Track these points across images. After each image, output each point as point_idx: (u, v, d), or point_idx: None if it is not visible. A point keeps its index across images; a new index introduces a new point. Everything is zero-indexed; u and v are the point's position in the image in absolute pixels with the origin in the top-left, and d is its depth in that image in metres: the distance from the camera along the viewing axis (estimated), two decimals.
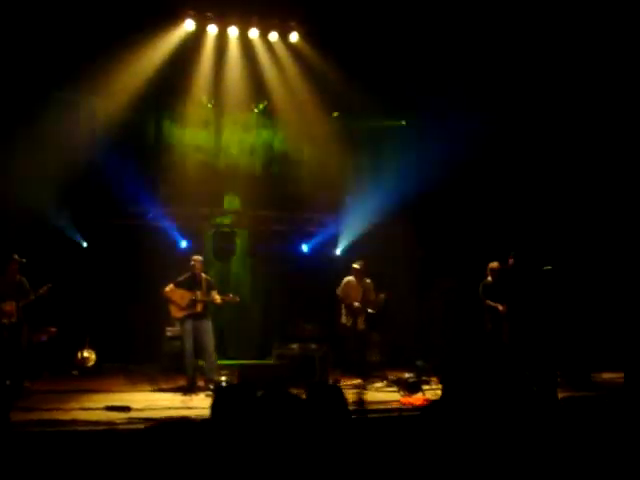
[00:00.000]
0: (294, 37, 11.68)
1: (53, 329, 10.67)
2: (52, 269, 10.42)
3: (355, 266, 10.64)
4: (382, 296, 10.53)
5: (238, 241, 12.88)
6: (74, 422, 6.67)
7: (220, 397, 3.47)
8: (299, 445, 3.06)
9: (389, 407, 7.85)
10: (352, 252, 12.03)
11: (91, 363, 10.95)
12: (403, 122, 13.09)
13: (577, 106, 11.57)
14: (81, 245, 11.77)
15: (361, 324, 10.54)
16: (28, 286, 9.57)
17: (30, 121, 10.77)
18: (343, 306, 10.60)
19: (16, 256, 9.51)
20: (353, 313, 10.47)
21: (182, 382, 9.43)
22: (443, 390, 3.64)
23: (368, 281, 10.68)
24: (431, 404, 3.65)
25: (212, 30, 11.45)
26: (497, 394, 3.61)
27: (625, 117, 11.46)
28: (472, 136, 11.43)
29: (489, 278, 10.45)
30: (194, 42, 11.52)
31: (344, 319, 10.57)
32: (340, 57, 11.33)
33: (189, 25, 11.20)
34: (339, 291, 10.62)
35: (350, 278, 10.64)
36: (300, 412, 3.19)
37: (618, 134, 11.59)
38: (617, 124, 11.55)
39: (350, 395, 3.74)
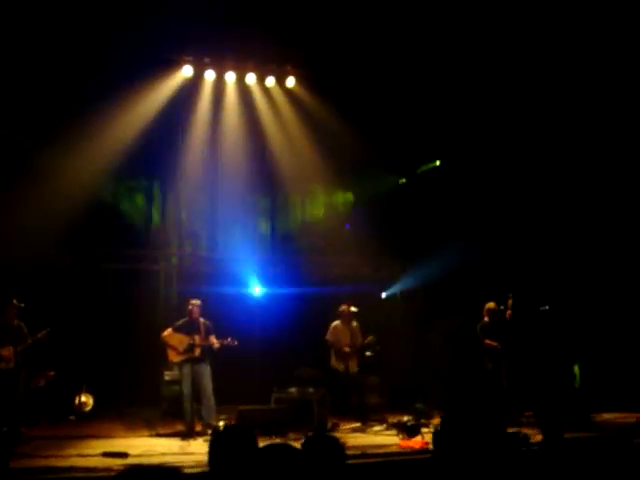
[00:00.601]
0: (291, 82, 11.84)
1: (51, 373, 10.61)
2: (50, 313, 10.42)
3: (342, 309, 10.70)
4: (371, 338, 10.57)
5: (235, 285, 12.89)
6: (72, 469, 6.60)
7: (219, 440, 3.46)
8: None
9: (388, 451, 7.79)
10: (351, 293, 11.99)
11: (89, 408, 10.85)
12: (403, 180, 13.23)
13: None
14: (79, 289, 11.77)
15: (353, 367, 10.55)
16: (26, 331, 9.56)
17: (29, 166, 10.88)
18: (332, 351, 10.63)
19: (15, 300, 9.52)
20: (343, 357, 10.48)
21: (180, 427, 9.38)
22: (441, 427, 3.64)
23: (355, 324, 10.72)
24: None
25: (210, 76, 11.60)
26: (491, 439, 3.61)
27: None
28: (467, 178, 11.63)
29: (486, 318, 10.46)
30: (192, 89, 11.67)
31: (335, 363, 10.58)
32: (335, 102, 11.47)
33: (187, 71, 11.34)
34: (328, 336, 10.67)
35: (337, 322, 10.70)
36: (297, 464, 3.20)
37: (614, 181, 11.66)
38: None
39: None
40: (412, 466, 6.88)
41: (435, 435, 3.55)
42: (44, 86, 10.41)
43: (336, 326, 10.68)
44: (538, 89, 10.93)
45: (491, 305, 10.44)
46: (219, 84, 11.83)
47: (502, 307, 10.28)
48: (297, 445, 3.40)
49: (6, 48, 9.72)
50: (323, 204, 12.67)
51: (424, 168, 13.07)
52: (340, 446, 3.59)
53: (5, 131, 10.99)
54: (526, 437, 7.31)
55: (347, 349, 10.45)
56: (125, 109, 11.16)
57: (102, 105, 10.67)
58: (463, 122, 11.35)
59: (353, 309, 10.68)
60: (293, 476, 3.10)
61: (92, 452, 7.56)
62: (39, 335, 9.51)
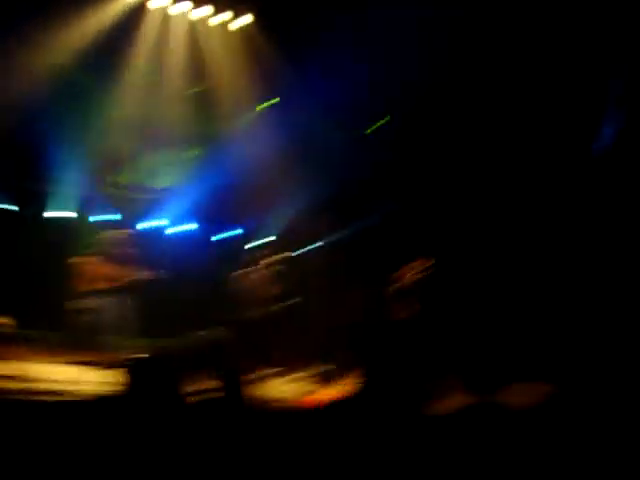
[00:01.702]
0: (245, 19, 11.59)
1: None
2: None
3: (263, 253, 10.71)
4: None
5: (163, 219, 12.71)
6: None
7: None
8: None
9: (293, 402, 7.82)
10: (279, 242, 11.98)
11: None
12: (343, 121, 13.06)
13: None
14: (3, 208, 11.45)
15: (272, 315, 10.53)
16: None
17: None
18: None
19: None
20: (259, 303, 10.46)
21: (83, 356, 9.18)
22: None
23: (276, 269, 10.67)
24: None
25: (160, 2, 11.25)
26: None
27: None
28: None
29: (399, 283, 10.37)
30: (140, 12, 11.31)
31: (251, 309, 10.52)
32: (287, 47, 11.26)
33: None
34: (245, 279, 10.63)
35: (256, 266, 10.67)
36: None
37: None
38: None
39: None
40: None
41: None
42: None
43: (254, 271, 10.63)
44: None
45: (413, 266, 10.30)
46: (168, 12, 11.49)
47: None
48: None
49: None
50: (258, 149, 12.43)
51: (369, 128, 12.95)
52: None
53: None
54: None
55: (261, 297, 10.39)
56: (64, 29, 10.75)
57: (40, 22, 10.25)
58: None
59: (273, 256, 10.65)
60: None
61: None
62: None
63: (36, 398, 6.41)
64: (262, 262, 10.62)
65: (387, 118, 12.91)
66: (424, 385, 3.71)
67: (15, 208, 11.49)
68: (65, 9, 10.39)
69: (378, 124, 12.96)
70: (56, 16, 10.36)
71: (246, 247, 12.37)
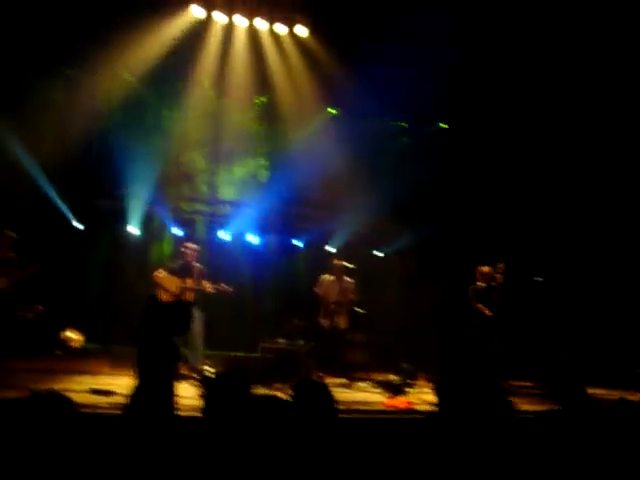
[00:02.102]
0: (300, 30, 11.63)
1: (40, 307, 10.59)
2: (42, 247, 10.35)
3: (334, 263, 10.64)
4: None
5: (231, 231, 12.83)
6: None
7: (213, 386, 3.42)
8: (287, 445, 3.03)
9: (373, 409, 7.82)
10: (345, 250, 12.02)
11: (75, 344, 10.84)
12: (404, 124, 13.07)
13: (574, 104, 11.50)
14: (72, 225, 11.70)
15: (341, 323, 10.46)
16: (18, 262, 9.51)
17: (28, 95, 10.72)
18: (321, 305, 10.59)
19: (9, 232, 9.44)
20: (329, 313, 10.43)
21: None
22: (439, 399, 3.60)
23: (348, 280, 10.61)
24: (429, 415, 3.61)
25: (219, 18, 11.39)
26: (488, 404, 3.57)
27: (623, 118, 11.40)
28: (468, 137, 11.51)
29: (479, 283, 10.36)
30: (201, 29, 11.47)
31: (322, 319, 10.50)
32: (345, 54, 11.28)
33: (196, 11, 11.14)
34: (316, 288, 10.58)
35: (327, 276, 10.60)
36: (287, 412, 3.16)
37: (613, 137, 11.54)
38: (614, 125, 11.49)
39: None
40: (397, 425, 6.92)
41: (438, 390, 3.50)
42: (47, 19, 10.20)
43: (325, 279, 10.58)
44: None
45: (485, 269, 10.30)
46: (229, 27, 11.62)
47: (494, 274, 10.20)
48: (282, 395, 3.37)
49: None
50: (324, 156, 12.47)
51: (430, 128, 12.92)
52: (329, 393, 3.55)
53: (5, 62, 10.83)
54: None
55: (332, 306, 10.41)
56: (131, 47, 10.96)
57: (108, 42, 10.47)
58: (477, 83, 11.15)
59: (345, 264, 10.59)
60: (283, 425, 3.06)
61: (78, 388, 7.54)
62: (30, 269, 9.46)
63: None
64: (334, 270, 10.58)
65: (444, 125, 12.87)
66: (504, 388, 3.66)
67: (82, 227, 11.71)
68: (131, 29, 10.58)
69: (435, 128, 12.92)
70: (123, 36, 10.57)
71: (316, 256, 12.51)
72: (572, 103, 11.41)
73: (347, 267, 10.59)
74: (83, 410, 6.31)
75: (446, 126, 12.85)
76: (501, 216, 11.97)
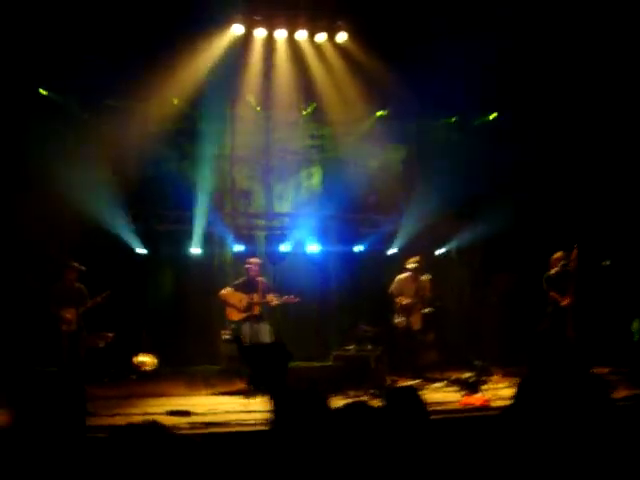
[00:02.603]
0: (342, 37, 11.62)
1: (110, 334, 10.81)
2: (108, 275, 10.58)
3: (410, 265, 10.50)
4: (430, 310, 10.39)
5: (291, 243, 12.89)
6: None
7: (286, 402, 3.39)
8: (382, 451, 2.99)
9: (450, 408, 7.73)
10: (407, 251, 11.93)
11: (149, 367, 11.00)
12: (453, 119, 12.96)
13: None
14: (135, 252, 11.92)
15: (416, 324, 10.36)
16: (87, 293, 9.75)
17: (83, 128, 10.97)
18: (396, 306, 10.45)
19: (75, 263, 9.68)
20: (406, 312, 10.30)
21: (240, 385, 9.40)
22: (519, 390, 3.52)
23: (424, 278, 10.48)
24: (509, 406, 3.52)
25: (260, 33, 11.47)
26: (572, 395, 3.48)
27: None
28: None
29: (552, 270, 10.16)
30: (243, 47, 11.55)
31: (397, 319, 10.40)
32: (389, 55, 11.21)
33: (237, 29, 11.22)
34: (392, 288, 10.47)
35: (403, 275, 10.48)
36: (379, 421, 3.11)
37: None
38: None
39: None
40: (476, 423, 6.82)
41: (521, 387, 3.42)
42: (93, 49, 10.40)
43: (401, 279, 10.47)
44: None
45: (559, 255, 10.11)
46: (270, 41, 11.67)
47: (565, 262, 10.01)
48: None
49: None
50: (376, 159, 12.43)
51: (480, 120, 12.78)
52: (421, 398, 3.51)
53: (59, 96, 11.10)
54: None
55: (406, 301, 10.25)
56: (174, 72, 11.10)
57: (151, 68, 10.62)
58: (522, 72, 10.95)
59: (409, 265, 10.49)
60: (375, 434, 3.02)
61: (156, 410, 7.62)
62: (99, 298, 9.70)
63: (207, 430, 6.63)
64: (409, 269, 10.47)
65: (494, 114, 12.70)
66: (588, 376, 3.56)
67: (145, 251, 11.93)
68: (174, 50, 10.72)
69: (487, 119, 12.76)
70: (166, 62, 10.71)
71: (378, 260, 12.49)
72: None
73: (421, 266, 10.45)
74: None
75: (495, 115, 12.66)
76: (567, 202, 11.70)
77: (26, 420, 2.65)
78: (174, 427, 6.69)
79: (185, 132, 12.05)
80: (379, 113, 12.53)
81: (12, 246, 10.61)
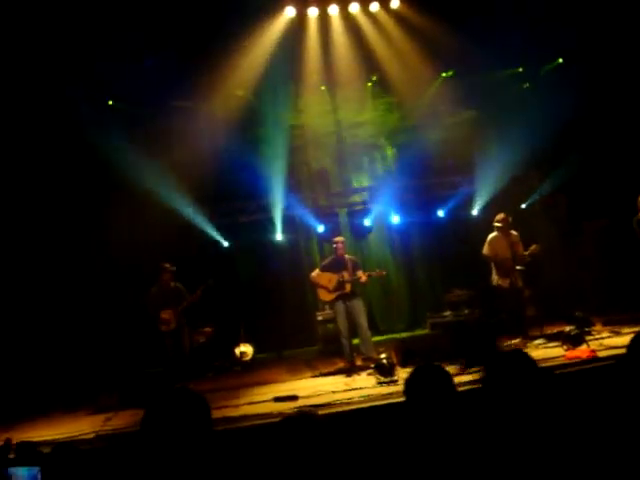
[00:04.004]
0: (395, 3, 11.45)
1: (209, 329, 11.05)
2: (199, 271, 10.80)
3: (496, 223, 10.22)
4: (536, 247, 9.97)
5: (372, 216, 12.85)
6: (246, 417, 6.79)
7: (415, 378, 3.39)
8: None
9: (556, 364, 7.57)
10: (489, 211, 11.71)
11: (249, 357, 11.19)
12: (520, 69, 12.61)
13: None
14: (222, 245, 12.12)
15: (519, 281, 10.02)
16: (184, 291, 10.00)
17: (155, 133, 11.17)
18: (494, 266, 10.17)
19: (167, 265, 9.92)
20: (507, 271, 9.99)
21: (340, 364, 9.49)
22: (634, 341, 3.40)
23: (515, 233, 10.14)
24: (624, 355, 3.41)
25: (313, 12, 11.40)
26: None
27: None
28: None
29: None
30: (298, 28, 11.50)
31: (497, 280, 10.08)
32: (445, 14, 10.97)
33: (290, 12, 11.18)
34: (485, 250, 10.12)
35: (494, 234, 10.12)
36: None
37: None
38: None
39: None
40: (584, 376, 6.68)
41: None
42: (152, 54, 10.56)
43: (493, 238, 10.09)
44: None
45: None
46: (324, 19, 11.58)
47: None
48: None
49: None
50: (447, 121, 12.21)
51: (547, 68, 12.40)
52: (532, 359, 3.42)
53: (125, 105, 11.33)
54: None
55: (509, 263, 9.97)
56: (234, 63, 11.14)
57: (212, 65, 10.71)
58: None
59: (497, 222, 10.18)
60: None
61: (262, 398, 7.77)
62: (194, 295, 9.93)
63: (320, 412, 6.67)
64: (500, 226, 10.19)
65: (559, 60, 12.29)
66: None
67: (231, 244, 12.13)
68: (231, 43, 10.78)
69: (552, 65, 12.36)
70: (225, 52, 10.77)
71: (460, 223, 12.35)
72: None
73: (508, 222, 10.16)
74: (274, 419, 6.55)
75: (561, 61, 12.25)
76: None
77: (156, 422, 2.73)
78: (281, 413, 6.77)
79: (253, 122, 12.10)
80: (444, 74, 12.32)
81: (107, 258, 10.98)
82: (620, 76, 11.20)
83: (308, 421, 3.05)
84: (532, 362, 3.08)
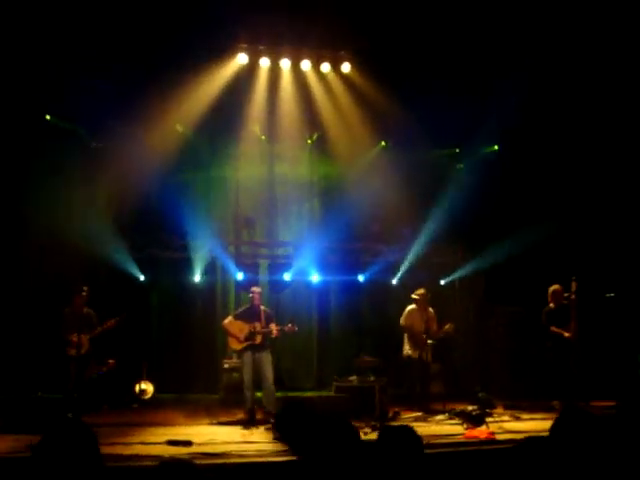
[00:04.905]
0: (346, 67, 11.68)
1: (111, 361, 10.73)
2: (110, 303, 10.55)
3: (415, 296, 10.45)
4: (450, 326, 10.30)
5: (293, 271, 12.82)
6: (138, 457, 6.54)
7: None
8: None
9: (454, 441, 7.62)
10: (409, 281, 11.90)
11: (148, 395, 10.93)
12: (457, 150, 12.98)
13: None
14: (137, 278, 11.88)
15: (428, 355, 10.23)
16: (95, 319, 9.74)
17: (84, 155, 11.01)
18: (406, 337, 10.39)
19: (84, 287, 9.66)
20: (419, 344, 10.21)
21: (241, 415, 9.33)
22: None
23: (431, 311, 10.47)
24: (529, 440, 3.48)
25: (264, 63, 11.53)
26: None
27: None
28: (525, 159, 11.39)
29: (551, 304, 10.17)
30: (247, 76, 11.60)
31: (409, 351, 10.30)
32: (394, 86, 11.24)
33: (242, 59, 11.29)
34: (402, 321, 10.38)
35: (413, 307, 10.42)
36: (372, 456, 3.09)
37: None
38: None
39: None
40: (480, 456, 6.74)
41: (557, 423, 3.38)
42: (99, 75, 10.47)
43: (411, 311, 10.39)
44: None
45: (556, 287, 10.10)
46: (274, 71, 11.72)
47: (566, 294, 9.97)
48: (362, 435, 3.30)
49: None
50: (379, 189, 12.40)
51: (483, 152, 12.79)
52: (417, 436, 3.48)
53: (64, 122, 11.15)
54: None
55: (423, 336, 10.19)
56: (180, 99, 11.13)
57: (156, 96, 10.68)
58: (523, 106, 10.95)
59: (415, 296, 10.43)
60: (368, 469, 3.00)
61: (156, 440, 7.53)
62: (108, 324, 9.69)
63: (206, 461, 6.52)
64: (418, 300, 10.41)
65: (495, 147, 12.73)
66: None
67: (146, 279, 11.91)
68: (180, 77, 10.79)
69: (488, 150, 12.77)
70: (172, 85, 10.77)
71: (380, 290, 12.44)
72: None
73: (426, 298, 10.43)
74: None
75: (496, 148, 12.68)
76: (569, 235, 11.67)
77: (47, 450, 2.64)
78: (174, 457, 6.58)
79: (188, 159, 11.97)
80: (382, 143, 12.56)
81: (25, 273, 10.69)
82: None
83: (185, 469, 3.00)
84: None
